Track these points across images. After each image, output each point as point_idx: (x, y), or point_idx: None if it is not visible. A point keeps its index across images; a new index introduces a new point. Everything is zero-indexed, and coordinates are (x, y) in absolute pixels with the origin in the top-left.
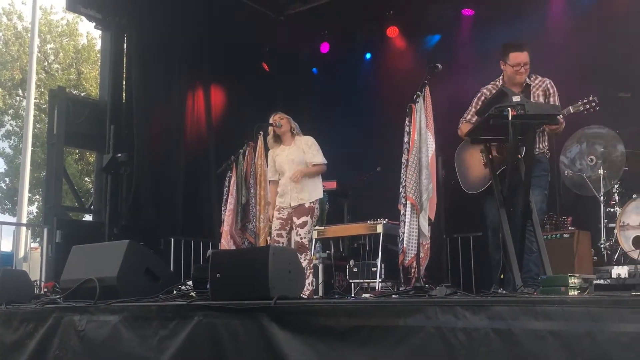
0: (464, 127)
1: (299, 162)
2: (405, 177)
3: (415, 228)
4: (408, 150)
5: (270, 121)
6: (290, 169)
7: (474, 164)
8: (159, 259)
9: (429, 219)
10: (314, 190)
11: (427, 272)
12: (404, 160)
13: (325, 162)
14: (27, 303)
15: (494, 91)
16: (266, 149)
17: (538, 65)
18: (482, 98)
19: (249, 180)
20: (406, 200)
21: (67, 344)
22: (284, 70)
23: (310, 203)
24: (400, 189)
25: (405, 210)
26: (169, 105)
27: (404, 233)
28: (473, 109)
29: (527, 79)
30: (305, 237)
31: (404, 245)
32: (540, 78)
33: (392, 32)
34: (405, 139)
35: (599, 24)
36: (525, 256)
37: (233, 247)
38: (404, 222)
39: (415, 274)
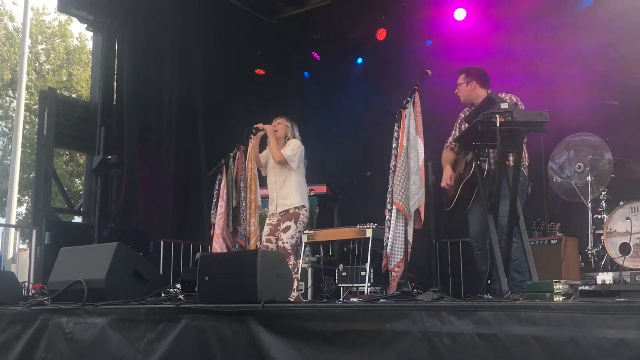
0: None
1: (282, 167)
2: (393, 182)
3: (400, 233)
4: (396, 156)
5: (273, 123)
6: (274, 175)
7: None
8: (147, 261)
9: (421, 223)
10: (299, 197)
11: (417, 276)
12: (391, 166)
13: (288, 157)
14: (14, 305)
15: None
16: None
17: (526, 74)
18: (462, 123)
19: (240, 184)
20: (392, 205)
21: (54, 346)
22: (275, 73)
23: (295, 209)
24: (387, 194)
25: (391, 216)
26: (160, 107)
27: (388, 238)
28: (455, 133)
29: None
30: (287, 242)
31: (388, 250)
32: (503, 95)
33: (381, 34)
34: (394, 145)
35: (586, 32)
36: None
37: (225, 250)
38: (389, 228)
39: (398, 278)
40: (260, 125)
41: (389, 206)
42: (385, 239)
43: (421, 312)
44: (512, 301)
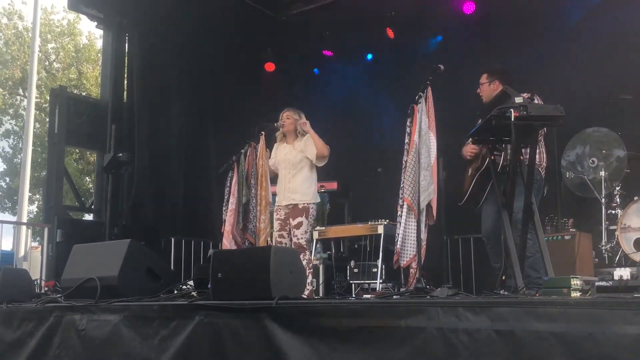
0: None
1: (294, 162)
2: (404, 178)
3: (411, 229)
4: (407, 151)
5: (281, 117)
6: (284, 168)
7: (463, 179)
8: (159, 258)
9: (433, 219)
10: (308, 194)
11: (428, 273)
12: (403, 162)
13: (328, 147)
14: (27, 302)
15: None
16: (270, 147)
17: (539, 69)
18: None
19: (250, 181)
20: (403, 201)
21: (68, 343)
22: (285, 70)
23: (304, 203)
24: (400, 190)
25: (402, 212)
26: (170, 104)
27: (399, 234)
28: None
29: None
30: (302, 238)
31: (398, 247)
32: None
33: (390, 33)
34: (406, 140)
35: (600, 27)
36: None
37: (235, 247)
38: (400, 224)
39: (414, 275)
40: (278, 125)
41: (400, 202)
42: (396, 235)
43: (437, 309)
44: (530, 297)
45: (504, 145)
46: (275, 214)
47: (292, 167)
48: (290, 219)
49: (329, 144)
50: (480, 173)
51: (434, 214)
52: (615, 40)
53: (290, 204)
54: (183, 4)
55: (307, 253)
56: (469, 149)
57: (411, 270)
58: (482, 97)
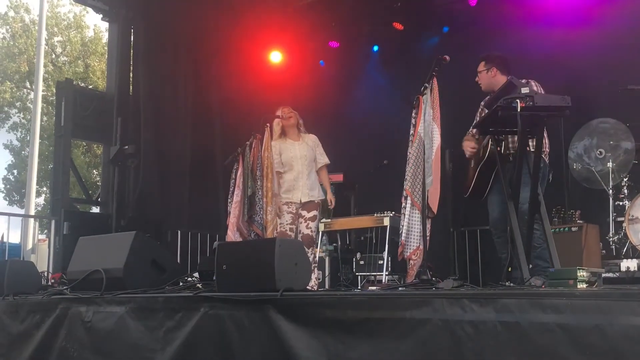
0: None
1: (310, 159)
2: (407, 170)
3: (415, 221)
4: (411, 143)
5: (279, 113)
6: (302, 165)
7: (468, 172)
8: (165, 250)
9: (432, 211)
10: (319, 190)
11: (434, 265)
12: (408, 153)
13: (327, 160)
14: (34, 294)
15: None
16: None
17: (546, 59)
18: (483, 110)
19: (256, 172)
20: (406, 193)
21: (74, 334)
22: (291, 62)
23: (319, 200)
24: (404, 182)
25: (406, 204)
26: (176, 97)
27: (403, 226)
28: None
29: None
30: (314, 231)
31: (403, 239)
32: (524, 81)
33: (398, 27)
34: (411, 132)
35: (608, 16)
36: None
37: (239, 239)
38: (404, 215)
39: (416, 267)
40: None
41: (404, 194)
42: (400, 226)
43: (442, 300)
44: (536, 288)
45: (503, 135)
46: (286, 206)
47: (308, 164)
48: (305, 212)
49: (335, 136)
50: (483, 164)
51: (434, 207)
52: (624, 30)
53: (308, 201)
54: None
55: (314, 246)
56: (468, 147)
57: (411, 262)
58: (481, 85)
